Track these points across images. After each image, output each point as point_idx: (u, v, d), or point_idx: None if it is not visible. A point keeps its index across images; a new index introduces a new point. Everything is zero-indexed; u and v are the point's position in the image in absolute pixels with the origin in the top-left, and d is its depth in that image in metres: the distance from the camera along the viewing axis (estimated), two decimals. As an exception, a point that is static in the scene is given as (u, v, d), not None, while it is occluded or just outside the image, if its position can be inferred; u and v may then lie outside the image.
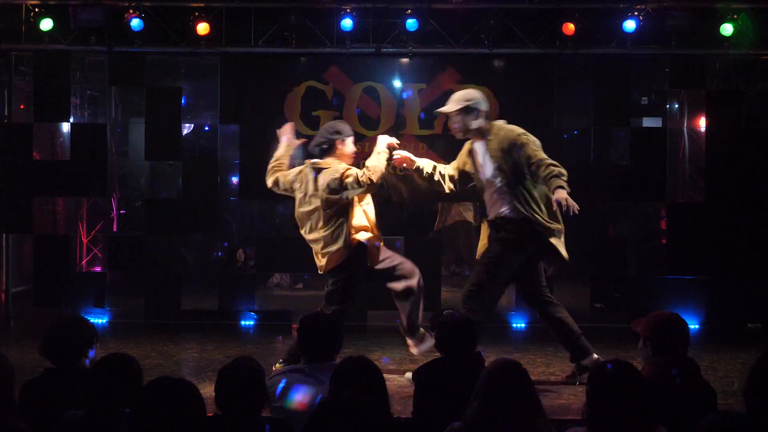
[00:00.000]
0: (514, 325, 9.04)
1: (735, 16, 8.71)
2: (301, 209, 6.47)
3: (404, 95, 9.28)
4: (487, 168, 6.25)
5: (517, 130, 6.23)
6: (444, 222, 11.53)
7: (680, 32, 8.86)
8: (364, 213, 6.39)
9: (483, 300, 6.15)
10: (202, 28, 8.88)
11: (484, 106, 6.32)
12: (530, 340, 8.32)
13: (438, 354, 4.56)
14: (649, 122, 11.28)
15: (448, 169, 6.51)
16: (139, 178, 11.80)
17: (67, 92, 9.48)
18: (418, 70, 9.35)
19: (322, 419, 2.71)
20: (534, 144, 6.14)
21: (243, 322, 9.22)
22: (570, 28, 8.76)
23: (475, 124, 6.25)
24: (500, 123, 6.36)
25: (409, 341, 6.54)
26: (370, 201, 6.47)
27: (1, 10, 9.10)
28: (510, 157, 6.11)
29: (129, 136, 11.44)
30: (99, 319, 9.08)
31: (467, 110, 6.27)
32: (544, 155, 6.08)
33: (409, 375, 5.73)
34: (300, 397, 3.94)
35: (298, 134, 9.18)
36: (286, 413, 3.88)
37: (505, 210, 6.17)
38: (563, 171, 5.95)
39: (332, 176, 6.22)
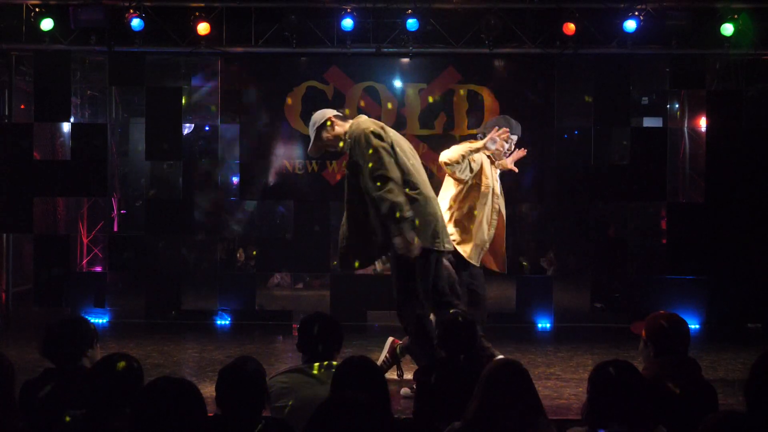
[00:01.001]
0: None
1: (735, 16, 8.71)
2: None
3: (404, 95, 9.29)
4: None
5: (362, 126, 5.51)
6: None
7: (680, 32, 8.86)
8: None
9: (416, 303, 5.56)
10: (203, 28, 8.88)
11: (329, 113, 5.71)
12: (531, 340, 8.32)
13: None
14: (649, 122, 11.28)
15: None
16: (139, 178, 11.80)
17: (68, 92, 9.48)
18: (419, 70, 9.35)
19: (322, 419, 2.70)
20: (367, 167, 5.36)
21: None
22: (570, 28, 8.76)
23: (339, 130, 5.65)
24: (357, 118, 5.72)
25: None
26: None
27: (1, 10, 9.10)
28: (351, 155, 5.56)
29: (129, 136, 11.45)
30: (99, 319, 9.08)
31: (321, 129, 5.65)
32: (369, 185, 5.33)
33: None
34: None
35: (297, 133, 9.26)
36: (287, 413, 3.88)
37: None
38: (385, 209, 5.26)
39: None
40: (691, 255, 9.05)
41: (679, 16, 8.77)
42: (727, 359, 7.32)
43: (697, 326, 8.87)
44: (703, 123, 10.12)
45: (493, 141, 6.20)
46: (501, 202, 6.40)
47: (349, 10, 8.81)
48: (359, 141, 5.46)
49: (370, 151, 5.39)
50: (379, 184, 5.32)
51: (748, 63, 9.43)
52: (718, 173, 9.16)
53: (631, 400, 3.16)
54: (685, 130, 11.26)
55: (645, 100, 11.45)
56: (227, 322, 9.22)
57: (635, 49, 9.03)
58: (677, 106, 11.38)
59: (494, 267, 6.48)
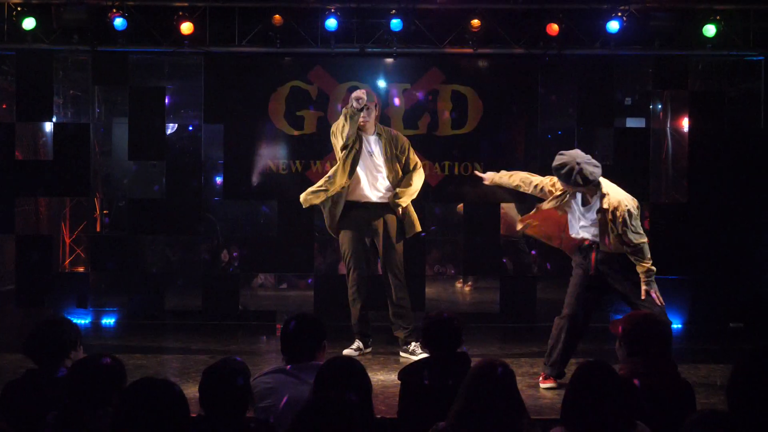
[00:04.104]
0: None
1: (717, 17, 8.76)
2: None
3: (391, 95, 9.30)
4: None
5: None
6: None
7: (663, 33, 8.90)
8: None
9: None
10: (186, 27, 8.85)
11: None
12: (515, 340, 8.33)
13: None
14: (632, 123, 11.30)
15: None
16: (122, 178, 11.74)
17: (50, 92, 9.42)
18: (403, 70, 9.36)
19: (305, 420, 2.70)
20: None
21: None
22: (554, 28, 8.78)
23: None
24: None
25: None
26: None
27: (-18, 10, 9.04)
28: None
29: (112, 135, 11.36)
30: (82, 320, 9.04)
31: None
32: None
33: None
34: None
35: (281, 133, 9.25)
36: (270, 413, 3.87)
37: None
38: None
39: None
40: (673, 255, 9.07)
41: (661, 17, 8.81)
42: (709, 359, 7.35)
43: (680, 326, 8.90)
44: (685, 123, 10.15)
45: None
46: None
47: (333, 10, 8.80)
48: None
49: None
50: None
51: (731, 64, 9.48)
52: (701, 173, 9.20)
53: (606, 401, 3.18)
54: (668, 130, 11.31)
55: (628, 100, 11.47)
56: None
57: (618, 49, 9.06)
58: (660, 106, 11.42)
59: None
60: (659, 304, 6.06)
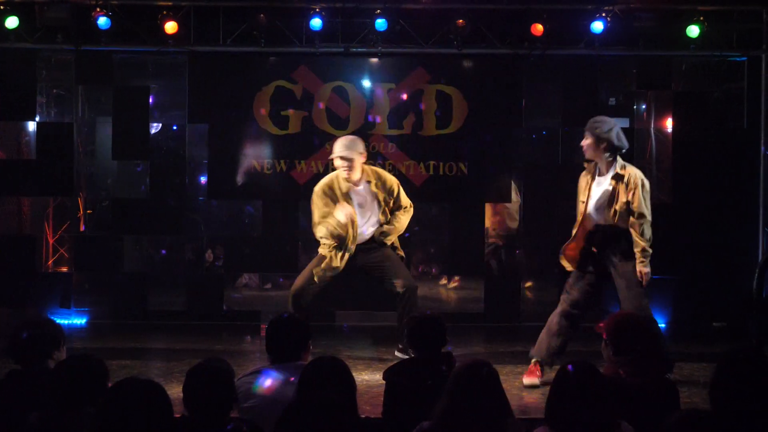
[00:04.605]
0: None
1: (701, 18, 8.80)
2: None
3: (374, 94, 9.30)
4: None
5: None
6: None
7: (647, 33, 8.94)
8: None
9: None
10: (170, 26, 8.81)
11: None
12: (500, 339, 8.35)
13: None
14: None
15: None
16: (106, 177, 11.69)
17: (33, 91, 9.37)
18: (388, 69, 9.35)
19: (290, 420, 2.70)
20: None
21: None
22: (538, 28, 8.80)
23: None
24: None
25: None
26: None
27: (-36, 8, 8.97)
28: None
29: (96, 135, 11.31)
30: (65, 320, 8.99)
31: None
32: None
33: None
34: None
35: (266, 133, 9.23)
36: (255, 414, 3.86)
37: None
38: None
39: None
40: (658, 254, 9.06)
41: (645, 17, 8.84)
42: (692, 358, 7.38)
43: (664, 325, 8.93)
44: (669, 124, 10.20)
45: None
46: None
47: (317, 10, 8.79)
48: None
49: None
50: None
51: (714, 64, 9.53)
52: (685, 173, 9.24)
53: (590, 401, 3.19)
54: (652, 130, 11.34)
55: (612, 100, 11.50)
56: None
57: (602, 50, 9.09)
58: (644, 106, 11.45)
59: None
60: (644, 285, 6.51)
